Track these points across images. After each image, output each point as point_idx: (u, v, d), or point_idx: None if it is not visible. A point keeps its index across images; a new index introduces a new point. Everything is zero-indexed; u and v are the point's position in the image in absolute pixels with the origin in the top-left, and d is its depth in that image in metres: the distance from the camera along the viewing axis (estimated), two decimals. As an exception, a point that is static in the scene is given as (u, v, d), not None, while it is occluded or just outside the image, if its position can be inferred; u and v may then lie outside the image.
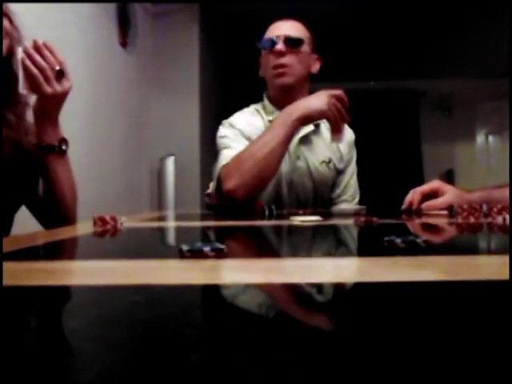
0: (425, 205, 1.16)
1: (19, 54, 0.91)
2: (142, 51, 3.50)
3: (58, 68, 0.92)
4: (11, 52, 0.97)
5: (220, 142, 1.49)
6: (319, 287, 0.32)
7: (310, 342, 0.20)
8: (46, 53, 0.92)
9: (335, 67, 5.16)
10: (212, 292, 0.31)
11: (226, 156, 1.39)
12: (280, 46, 1.47)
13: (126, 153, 3.24)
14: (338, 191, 1.61)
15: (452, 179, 5.69)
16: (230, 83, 5.33)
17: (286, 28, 1.51)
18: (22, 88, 0.93)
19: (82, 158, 2.50)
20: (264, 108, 1.58)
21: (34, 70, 0.91)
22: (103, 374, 0.16)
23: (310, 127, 1.50)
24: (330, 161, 1.55)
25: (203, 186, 3.96)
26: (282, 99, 1.49)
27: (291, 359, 0.18)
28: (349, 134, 1.63)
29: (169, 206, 3.57)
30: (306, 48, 1.52)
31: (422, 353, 0.18)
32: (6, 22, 0.95)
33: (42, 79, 0.91)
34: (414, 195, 1.20)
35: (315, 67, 1.57)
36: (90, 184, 2.67)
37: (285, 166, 1.46)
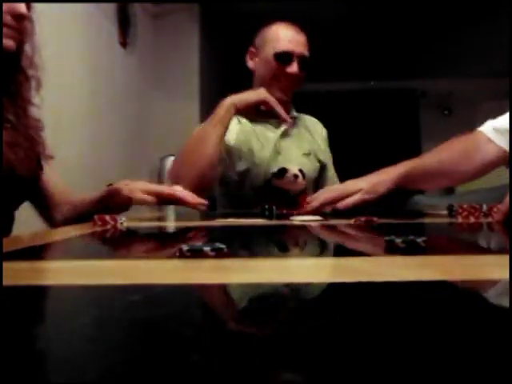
0: (340, 204, 1.10)
1: None
2: (142, 51, 3.50)
3: None
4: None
5: None
6: (319, 287, 0.32)
7: (310, 342, 0.20)
8: None
9: (335, 67, 5.16)
10: (212, 292, 0.31)
11: None
12: (295, 69, 1.42)
13: (125, 153, 3.23)
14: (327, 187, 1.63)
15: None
16: (230, 83, 5.32)
17: (301, 45, 1.45)
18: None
19: (82, 158, 2.51)
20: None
21: None
22: (103, 374, 0.16)
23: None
24: (309, 153, 1.56)
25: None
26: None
27: (291, 359, 0.18)
28: (321, 128, 1.65)
29: (169, 206, 3.57)
30: None
31: (422, 353, 0.18)
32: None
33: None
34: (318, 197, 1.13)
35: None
36: (90, 184, 2.67)
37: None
